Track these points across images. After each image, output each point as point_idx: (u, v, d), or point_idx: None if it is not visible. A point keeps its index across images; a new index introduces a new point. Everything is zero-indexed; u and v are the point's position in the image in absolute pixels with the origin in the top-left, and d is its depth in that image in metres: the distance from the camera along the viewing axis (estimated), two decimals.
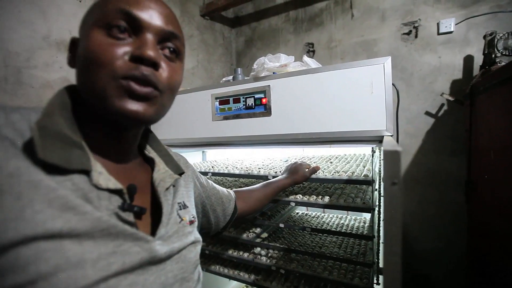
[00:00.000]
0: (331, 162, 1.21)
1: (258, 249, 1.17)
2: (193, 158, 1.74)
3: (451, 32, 1.54)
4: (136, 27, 0.41)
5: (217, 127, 1.13)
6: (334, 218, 1.42)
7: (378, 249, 0.98)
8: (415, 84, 1.65)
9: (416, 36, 1.65)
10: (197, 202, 0.66)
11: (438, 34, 1.58)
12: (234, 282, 1.65)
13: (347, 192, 1.04)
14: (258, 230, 1.17)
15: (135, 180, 0.46)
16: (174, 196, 0.53)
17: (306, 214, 1.50)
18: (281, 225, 1.11)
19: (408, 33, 1.67)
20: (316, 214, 1.49)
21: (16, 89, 1.12)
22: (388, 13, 1.72)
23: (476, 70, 1.47)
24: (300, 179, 0.97)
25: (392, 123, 0.82)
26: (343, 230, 1.22)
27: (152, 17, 0.41)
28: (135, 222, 0.41)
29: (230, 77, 1.22)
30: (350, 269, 1.02)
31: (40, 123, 0.36)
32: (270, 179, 1.00)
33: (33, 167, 0.34)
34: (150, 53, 0.40)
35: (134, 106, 0.40)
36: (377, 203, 0.97)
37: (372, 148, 0.96)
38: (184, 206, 0.54)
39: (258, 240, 1.16)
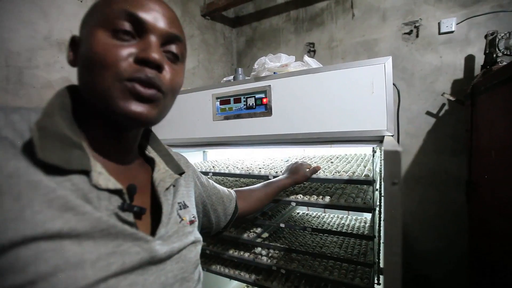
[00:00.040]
0: (331, 162, 1.21)
1: (259, 249, 1.17)
2: (194, 158, 1.74)
3: (452, 32, 1.54)
4: (141, 29, 0.41)
5: (218, 127, 1.13)
6: (334, 218, 1.42)
7: (379, 249, 0.98)
8: (416, 84, 1.65)
9: (417, 36, 1.64)
10: (197, 201, 0.66)
11: (439, 33, 1.58)
12: (235, 282, 1.66)
13: (347, 192, 1.04)
14: (258, 230, 1.18)
15: (135, 180, 0.47)
16: (174, 196, 0.53)
17: (307, 214, 1.50)
18: (282, 225, 1.11)
19: (409, 33, 1.66)
20: (317, 214, 1.49)
21: (17, 89, 1.13)
22: (389, 12, 1.72)
23: (477, 70, 1.47)
24: (301, 179, 0.97)
25: (393, 123, 0.82)
26: (343, 230, 1.22)
27: (156, 19, 0.42)
28: (135, 222, 0.42)
29: (231, 77, 1.22)
30: (350, 269, 1.02)
31: (40, 123, 0.36)
32: (270, 179, 1.01)
33: (32, 168, 0.34)
34: (155, 55, 0.40)
35: (138, 107, 0.40)
36: (377, 203, 0.97)
37: (373, 148, 0.96)
38: (184, 206, 0.54)
39: (258, 240, 1.16)
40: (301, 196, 1.03)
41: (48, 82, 1.22)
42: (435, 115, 1.61)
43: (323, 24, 1.97)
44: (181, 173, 0.56)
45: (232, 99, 1.09)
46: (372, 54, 1.78)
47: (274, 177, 1.03)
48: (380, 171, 1.09)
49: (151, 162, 0.54)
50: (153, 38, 0.41)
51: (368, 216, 1.39)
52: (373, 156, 1.01)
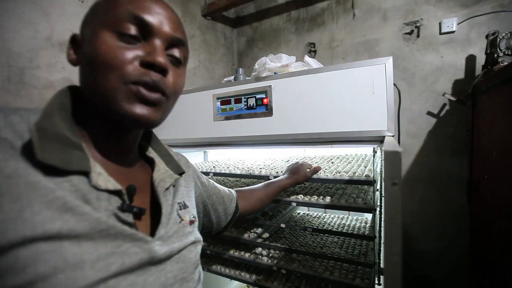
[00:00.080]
0: (332, 162, 1.21)
1: (259, 249, 1.17)
2: (195, 158, 1.74)
3: (453, 32, 1.54)
4: (146, 32, 0.41)
5: (219, 127, 1.13)
6: (335, 218, 1.42)
7: (380, 250, 0.98)
8: (417, 84, 1.65)
9: (418, 36, 1.64)
10: (198, 201, 0.66)
11: (440, 33, 1.57)
12: (235, 282, 1.66)
13: (348, 192, 1.04)
14: (259, 230, 1.18)
15: (135, 180, 0.47)
16: (174, 196, 0.53)
17: (308, 214, 1.50)
18: (283, 225, 1.11)
19: (410, 33, 1.66)
20: (318, 214, 1.49)
21: (19, 90, 1.13)
22: (390, 12, 1.72)
23: (478, 70, 1.46)
24: (302, 179, 0.97)
25: (394, 123, 0.82)
26: (344, 231, 1.22)
27: (162, 23, 0.42)
28: (134, 222, 0.42)
29: (232, 77, 1.22)
30: (351, 269, 1.02)
31: (39, 124, 0.36)
32: (271, 179, 1.01)
33: (31, 169, 0.34)
34: (161, 60, 0.41)
35: (142, 110, 0.41)
36: (378, 204, 0.97)
37: (373, 148, 0.96)
38: (184, 206, 0.54)
39: (259, 240, 1.16)
40: (302, 196, 1.03)
41: (49, 82, 1.22)
42: (436, 115, 1.61)
43: (324, 24, 1.97)
44: (181, 173, 0.56)
45: (232, 99, 1.09)
46: (373, 54, 1.78)
47: (275, 177, 1.03)
48: (381, 171, 1.09)
49: (151, 162, 0.54)
50: (158, 42, 0.42)
51: (368, 216, 1.39)
52: (374, 157, 1.01)
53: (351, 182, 0.95)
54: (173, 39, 0.44)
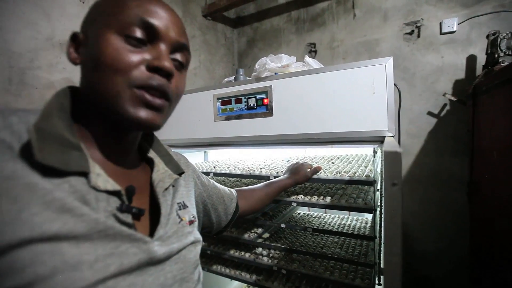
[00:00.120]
0: (332, 163, 1.21)
1: (260, 249, 1.17)
2: (195, 158, 1.74)
3: (453, 32, 1.53)
4: (153, 37, 0.42)
5: (219, 127, 1.14)
6: (335, 218, 1.42)
7: (380, 250, 0.98)
8: (418, 84, 1.65)
9: (418, 36, 1.64)
10: (198, 201, 0.66)
11: (441, 33, 1.57)
12: (236, 282, 1.66)
13: (348, 192, 1.04)
14: (259, 230, 1.18)
15: (134, 181, 0.47)
16: (174, 196, 0.53)
17: (308, 215, 1.50)
18: (283, 225, 1.12)
19: (411, 33, 1.66)
20: (318, 214, 1.49)
21: (20, 90, 1.13)
22: (390, 13, 1.72)
23: (479, 70, 1.46)
24: (302, 179, 0.97)
25: (394, 123, 0.82)
26: (344, 231, 1.22)
27: (168, 28, 0.43)
28: (133, 223, 0.42)
29: (232, 78, 1.23)
30: (351, 269, 1.02)
31: (38, 125, 0.36)
32: (271, 179, 1.01)
33: (30, 170, 0.34)
34: (167, 64, 0.41)
35: (146, 114, 0.41)
36: (378, 204, 0.97)
37: (374, 148, 0.96)
38: (183, 206, 0.54)
39: (259, 240, 1.16)
40: (302, 196, 1.03)
41: (50, 83, 1.22)
42: (437, 116, 1.61)
43: (324, 25, 1.96)
44: (180, 173, 0.56)
45: (233, 99, 1.09)
46: (374, 54, 1.78)
47: (275, 177, 1.03)
48: (381, 171, 1.09)
49: (150, 163, 0.54)
50: (163, 46, 0.42)
51: (369, 216, 1.39)
52: (374, 157, 1.01)
53: (351, 182, 0.95)
54: (178, 44, 0.45)
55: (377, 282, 0.92)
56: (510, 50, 1.21)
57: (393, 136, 0.82)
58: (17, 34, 1.12)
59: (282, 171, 1.06)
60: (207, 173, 1.24)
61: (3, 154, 0.34)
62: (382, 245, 1.00)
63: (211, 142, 1.19)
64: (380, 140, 0.86)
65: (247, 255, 1.15)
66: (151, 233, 0.44)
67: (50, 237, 0.32)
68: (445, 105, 1.58)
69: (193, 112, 1.20)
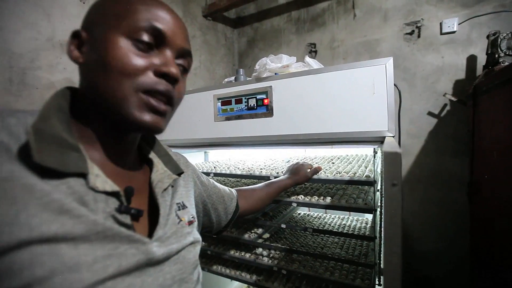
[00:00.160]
0: (333, 163, 1.21)
1: (260, 249, 1.17)
2: (195, 158, 1.74)
3: (454, 32, 1.53)
4: (160, 42, 0.42)
5: (219, 127, 1.14)
6: (336, 218, 1.42)
7: (380, 250, 0.98)
8: (418, 84, 1.65)
9: (418, 36, 1.64)
10: (197, 201, 0.66)
11: (441, 34, 1.57)
12: (236, 283, 1.66)
13: (349, 193, 1.04)
14: (260, 230, 1.18)
15: (133, 181, 0.47)
16: (173, 197, 0.53)
17: (308, 215, 1.50)
18: (283, 226, 1.12)
19: (411, 33, 1.66)
20: (318, 214, 1.49)
21: (20, 90, 1.14)
22: (391, 13, 1.72)
23: (479, 70, 1.46)
24: (302, 179, 0.97)
25: (394, 123, 0.82)
26: (344, 231, 1.22)
27: (175, 34, 0.44)
28: (132, 224, 0.41)
29: (232, 78, 1.23)
30: (351, 270, 1.02)
31: (36, 126, 0.36)
32: (272, 180, 1.01)
33: (27, 171, 0.34)
34: (175, 71, 0.42)
35: (151, 118, 0.42)
36: (379, 204, 0.97)
37: (374, 149, 0.96)
38: (183, 207, 0.54)
39: (259, 240, 1.16)
40: (302, 196, 1.03)
41: (50, 83, 1.23)
42: (437, 116, 1.61)
43: (325, 25, 1.97)
44: (179, 173, 0.56)
45: (233, 100, 1.09)
46: (374, 54, 1.78)
47: (275, 177, 1.03)
48: (381, 172, 1.09)
49: (149, 163, 0.54)
50: (170, 52, 0.43)
51: (369, 216, 1.39)
52: (374, 157, 1.01)
53: (351, 182, 0.95)
54: (183, 50, 0.46)
55: (377, 282, 0.92)
56: (511, 50, 1.21)
57: (393, 136, 0.82)
58: (18, 34, 1.12)
59: (282, 172, 1.06)
60: (207, 174, 1.24)
61: (1, 156, 0.34)
62: (382, 245, 1.00)
63: (211, 143, 1.19)
64: (380, 141, 0.86)
65: (247, 255, 1.15)
66: (150, 234, 0.44)
67: (48, 238, 0.32)
68: (445, 105, 1.58)
69: (193, 112, 1.20)
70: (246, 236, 1.15)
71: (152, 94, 0.42)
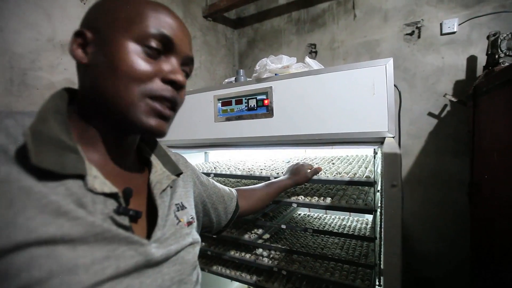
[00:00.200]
0: (333, 163, 1.21)
1: (260, 250, 1.17)
2: (196, 159, 1.74)
3: (454, 33, 1.53)
4: (168, 49, 0.44)
5: (219, 128, 1.14)
6: (336, 219, 1.42)
7: (380, 251, 0.98)
8: (418, 84, 1.65)
9: (419, 37, 1.64)
10: (197, 201, 0.66)
11: (441, 34, 1.57)
12: (236, 283, 1.66)
13: (349, 193, 1.04)
14: (260, 231, 1.18)
15: (132, 182, 0.46)
16: (172, 198, 0.53)
17: (308, 215, 1.50)
18: (283, 226, 1.12)
19: (411, 34, 1.66)
20: (318, 215, 1.49)
21: (21, 91, 1.14)
22: (391, 13, 1.72)
23: (479, 71, 1.46)
24: (302, 180, 0.97)
25: (394, 124, 0.82)
26: (345, 232, 1.22)
27: (182, 42, 0.45)
28: (130, 225, 0.41)
29: (233, 79, 1.23)
30: (352, 270, 1.02)
31: (33, 128, 0.36)
32: (272, 180, 1.01)
33: (25, 173, 0.34)
34: (182, 79, 0.44)
35: (156, 123, 0.43)
36: (379, 205, 0.97)
37: (374, 149, 0.96)
38: (182, 207, 0.54)
39: (260, 241, 1.16)
40: (302, 197, 1.03)
41: (51, 83, 1.23)
42: (437, 116, 1.61)
43: (325, 25, 1.97)
44: (178, 173, 0.55)
45: (233, 100, 1.09)
46: (374, 55, 1.78)
47: (276, 178, 1.03)
48: (381, 172, 1.09)
49: (148, 164, 0.53)
50: (177, 59, 0.45)
51: (369, 217, 1.39)
52: (374, 158, 1.01)
53: (351, 183, 0.95)
54: (188, 58, 0.47)
55: (377, 283, 0.92)
56: (511, 51, 1.21)
57: (393, 137, 0.82)
58: (18, 35, 1.12)
59: (282, 172, 1.06)
60: (207, 174, 1.24)
61: None
62: (382, 246, 1.00)
63: (212, 143, 1.19)
64: (380, 141, 0.86)
65: (248, 256, 1.15)
66: (149, 235, 0.44)
67: (46, 240, 0.32)
68: (445, 105, 1.58)
69: (193, 113, 1.20)
70: (246, 236, 1.15)
71: (158, 99, 0.43)
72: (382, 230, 0.98)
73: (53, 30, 1.24)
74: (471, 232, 1.35)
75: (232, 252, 1.19)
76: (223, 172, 1.23)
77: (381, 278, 0.93)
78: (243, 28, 2.38)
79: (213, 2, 2.07)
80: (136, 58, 0.40)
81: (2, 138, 0.35)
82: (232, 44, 2.39)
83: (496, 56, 1.23)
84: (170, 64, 0.44)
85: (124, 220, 0.41)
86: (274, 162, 1.43)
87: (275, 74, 1.04)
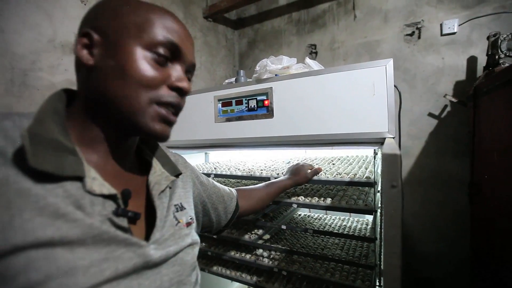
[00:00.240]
0: (333, 164, 1.21)
1: (260, 250, 1.17)
2: (196, 159, 1.74)
3: (454, 33, 1.53)
4: (175, 57, 0.45)
5: (220, 128, 1.14)
6: (336, 219, 1.42)
7: (380, 251, 0.98)
8: (418, 85, 1.65)
9: (419, 37, 1.64)
10: (196, 201, 0.66)
11: (441, 35, 1.57)
12: (236, 284, 1.66)
13: (349, 194, 1.04)
14: (260, 231, 1.18)
15: (131, 183, 0.46)
16: (171, 198, 0.52)
17: (308, 216, 1.50)
18: (283, 227, 1.12)
19: (411, 34, 1.66)
20: (318, 215, 1.49)
21: (22, 92, 1.14)
22: (391, 14, 1.72)
23: (479, 71, 1.46)
24: (302, 180, 0.97)
25: (394, 125, 0.82)
26: (345, 232, 1.22)
27: (188, 50, 0.46)
28: (129, 227, 0.41)
29: (233, 79, 1.23)
30: (352, 271, 1.02)
31: (31, 129, 0.35)
32: (272, 180, 1.01)
33: (23, 175, 0.34)
34: (187, 86, 0.45)
35: (161, 127, 0.45)
36: (379, 205, 0.97)
37: (374, 150, 0.96)
38: (181, 208, 0.54)
39: (260, 241, 1.16)
40: (303, 198, 1.03)
41: (51, 84, 1.23)
42: (437, 117, 1.61)
43: (325, 26, 1.97)
44: (177, 174, 0.55)
45: (233, 101, 1.10)
46: (374, 55, 1.78)
47: (276, 178, 1.03)
48: (382, 173, 1.09)
49: (147, 165, 0.53)
50: (182, 67, 0.46)
51: (369, 218, 1.39)
52: (375, 158, 1.01)
53: (352, 183, 0.95)
54: (191, 66, 0.49)
55: (377, 283, 0.92)
56: (511, 51, 1.21)
57: (393, 138, 0.82)
58: (19, 35, 1.13)
59: (282, 173, 1.06)
60: (207, 174, 1.24)
61: None
62: (382, 246, 1.00)
63: (212, 144, 1.19)
64: (380, 142, 0.86)
65: (248, 256, 1.15)
66: (148, 236, 0.44)
67: (44, 243, 0.32)
68: (445, 106, 1.58)
69: (193, 113, 1.20)
70: (246, 237, 1.15)
71: (164, 105, 0.44)
72: (382, 230, 0.98)
73: (54, 31, 1.24)
74: (471, 232, 1.35)
75: (232, 253, 1.19)
76: (223, 173, 1.23)
77: (381, 278, 0.93)
78: (243, 28, 2.39)
79: (213, 2, 2.07)
80: (146, 64, 0.41)
81: (1, 140, 0.35)
82: (232, 44, 2.40)
83: (496, 57, 1.23)
84: (176, 71, 0.45)
85: (123, 222, 0.40)
86: (274, 162, 1.43)
87: (276, 75, 1.04)
